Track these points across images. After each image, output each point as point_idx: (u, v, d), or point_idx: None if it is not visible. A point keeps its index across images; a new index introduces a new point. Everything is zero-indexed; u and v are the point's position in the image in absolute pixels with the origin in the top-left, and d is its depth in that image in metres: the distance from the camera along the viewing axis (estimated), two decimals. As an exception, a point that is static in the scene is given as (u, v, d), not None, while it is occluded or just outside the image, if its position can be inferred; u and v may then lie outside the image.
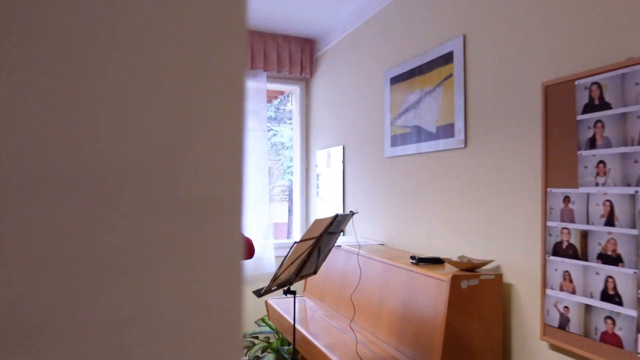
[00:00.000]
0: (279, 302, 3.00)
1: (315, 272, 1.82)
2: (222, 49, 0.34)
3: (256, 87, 3.78)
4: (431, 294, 1.83)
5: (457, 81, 2.16)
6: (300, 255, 1.56)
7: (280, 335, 3.24)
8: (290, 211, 11.12)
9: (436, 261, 2.03)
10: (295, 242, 1.47)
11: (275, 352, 3.22)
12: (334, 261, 2.62)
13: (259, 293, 1.53)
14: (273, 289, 1.56)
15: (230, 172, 0.33)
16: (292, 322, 2.49)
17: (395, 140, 2.65)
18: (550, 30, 1.67)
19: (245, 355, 3.45)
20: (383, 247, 2.62)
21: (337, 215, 1.60)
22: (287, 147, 10.25)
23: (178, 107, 0.32)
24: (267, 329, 3.33)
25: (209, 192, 0.32)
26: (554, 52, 1.65)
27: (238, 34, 0.34)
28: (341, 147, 3.34)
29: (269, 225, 3.74)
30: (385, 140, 2.75)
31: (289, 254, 1.49)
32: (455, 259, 1.94)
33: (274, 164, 7.95)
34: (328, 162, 3.59)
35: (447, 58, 2.23)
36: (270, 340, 3.43)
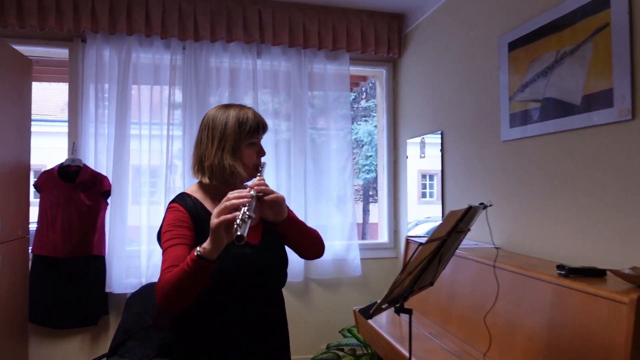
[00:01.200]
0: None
1: (432, 284, 1.38)
2: None
3: (338, 71, 3.40)
4: (598, 318, 1.32)
5: (616, 32, 1.61)
6: (422, 261, 1.14)
7: (370, 350, 2.83)
8: (365, 211, 10.68)
9: (594, 272, 1.50)
10: (420, 244, 1.06)
11: (363, 368, 2.81)
12: (439, 267, 2.15)
13: (367, 314, 1.14)
14: (384, 306, 1.15)
15: None
16: (389, 339, 2.06)
17: (518, 119, 2.13)
18: None
19: (328, 369, 3.08)
20: (502, 252, 2.11)
21: (470, 207, 1.16)
22: (364, 144, 9.79)
23: None
24: (353, 340, 2.93)
25: None
26: None
27: None
28: (439, 133, 2.86)
29: (352, 225, 3.34)
30: (501, 120, 2.24)
31: (411, 260, 1.07)
32: (626, 270, 1.40)
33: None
34: (422, 151, 3.12)
35: (600, 3, 1.68)
36: (357, 353, 3.03)
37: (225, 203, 1.13)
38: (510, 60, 2.19)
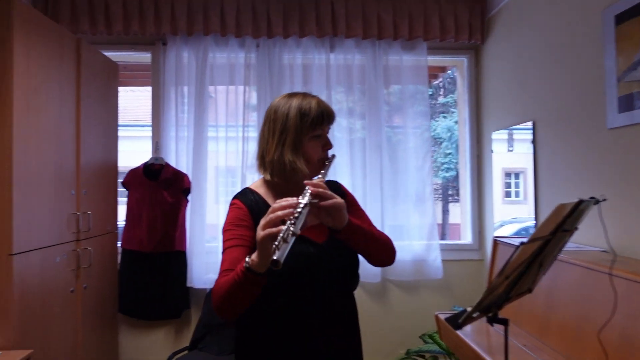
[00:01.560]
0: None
1: (530, 291, 1.20)
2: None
3: (415, 62, 3.22)
4: None
5: None
6: (521, 264, 0.98)
7: (454, 358, 2.63)
8: (445, 211, 10.25)
9: None
10: (521, 244, 0.90)
11: (446, 377, 2.63)
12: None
13: (456, 323, 0.99)
14: (475, 315, 1.01)
15: None
16: (477, 349, 1.88)
17: (628, 103, 1.84)
18: None
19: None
20: (613, 257, 1.84)
21: (580, 201, 0.97)
22: (442, 141, 9.38)
23: None
24: (435, 347, 2.75)
25: None
26: None
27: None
28: (530, 123, 2.59)
29: (432, 224, 3.15)
30: (608, 105, 1.95)
31: (510, 262, 0.92)
32: None
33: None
34: (510, 145, 2.86)
35: None
36: (438, 361, 2.85)
37: (270, 215, 1.03)
38: (618, 36, 1.91)
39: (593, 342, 1.54)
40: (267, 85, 3.11)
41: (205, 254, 3.01)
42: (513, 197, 2.99)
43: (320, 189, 1.12)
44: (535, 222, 2.56)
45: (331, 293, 1.26)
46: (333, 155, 1.35)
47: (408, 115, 3.24)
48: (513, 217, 2.95)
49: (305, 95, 1.30)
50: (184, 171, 3.07)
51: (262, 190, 1.32)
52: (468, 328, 2.36)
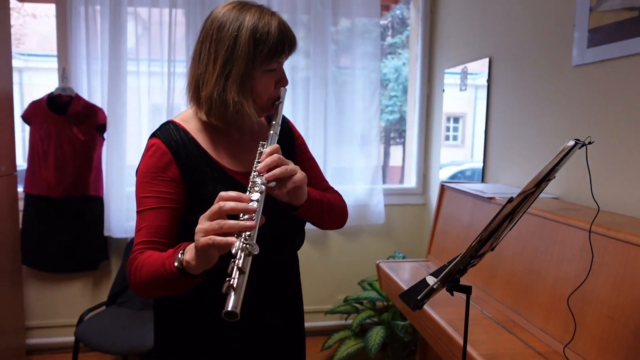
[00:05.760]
0: (393, 266, 2.29)
1: (492, 248, 1.03)
2: None
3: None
4: None
5: None
6: (499, 223, 0.78)
7: (390, 302, 2.56)
8: (386, 154, 10.27)
9: None
10: (510, 199, 0.69)
11: (385, 325, 2.56)
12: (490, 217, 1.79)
13: (414, 303, 0.79)
14: (436, 287, 0.81)
15: None
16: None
17: (601, 36, 1.66)
18: None
19: (347, 320, 2.85)
20: (562, 204, 1.73)
21: (576, 143, 0.77)
22: (388, 82, 9.16)
23: None
24: (374, 294, 2.66)
25: None
26: None
27: None
28: (486, 60, 2.39)
29: (377, 168, 2.98)
30: (575, 40, 1.77)
31: (492, 223, 0.71)
32: None
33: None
34: (462, 83, 2.67)
35: None
36: (377, 306, 2.78)
37: (217, 221, 0.74)
38: (593, -40, 1.69)
39: (541, 296, 1.44)
40: (197, 7, 2.67)
41: (126, 200, 2.66)
42: (451, 141, 2.92)
43: (277, 171, 0.85)
44: (482, 165, 2.43)
45: (271, 251, 1.04)
46: (284, 90, 1.07)
47: (357, 52, 2.94)
48: (451, 160, 2.88)
49: (262, 10, 0.97)
50: (99, 101, 2.65)
51: (192, 126, 1.01)
52: (406, 275, 2.25)
